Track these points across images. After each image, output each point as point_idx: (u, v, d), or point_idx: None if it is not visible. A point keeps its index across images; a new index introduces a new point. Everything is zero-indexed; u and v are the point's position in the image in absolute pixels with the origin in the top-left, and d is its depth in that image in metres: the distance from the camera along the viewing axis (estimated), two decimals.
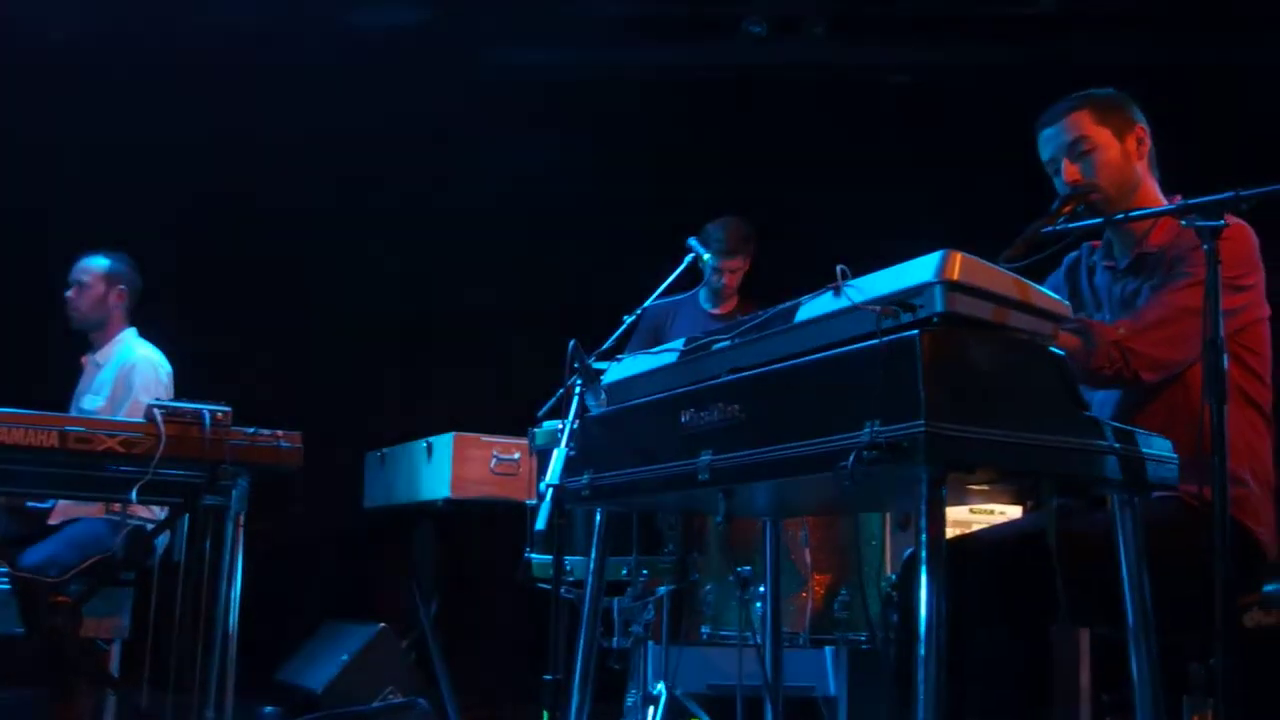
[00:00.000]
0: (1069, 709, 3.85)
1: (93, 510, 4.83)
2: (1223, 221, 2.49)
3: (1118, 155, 3.01)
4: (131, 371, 5.08)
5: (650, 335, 5.16)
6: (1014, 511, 3.79)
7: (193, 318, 6.36)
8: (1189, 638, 2.69)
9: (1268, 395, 2.95)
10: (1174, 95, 3.19)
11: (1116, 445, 2.29)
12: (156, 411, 4.07)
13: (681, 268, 4.81)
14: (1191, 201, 2.55)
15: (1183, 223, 2.56)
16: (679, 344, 2.76)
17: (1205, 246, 2.48)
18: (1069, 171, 3.02)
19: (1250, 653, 2.61)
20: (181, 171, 6.45)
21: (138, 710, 4.51)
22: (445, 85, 6.89)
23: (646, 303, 4.53)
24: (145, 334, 5.30)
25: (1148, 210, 2.92)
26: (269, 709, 5.10)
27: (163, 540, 4.70)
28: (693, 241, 4.73)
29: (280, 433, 4.25)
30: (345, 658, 5.22)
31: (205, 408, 4.12)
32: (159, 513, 4.79)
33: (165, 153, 6.34)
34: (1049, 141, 3.08)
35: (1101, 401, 2.95)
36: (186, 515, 4.36)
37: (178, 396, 4.76)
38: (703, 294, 5.51)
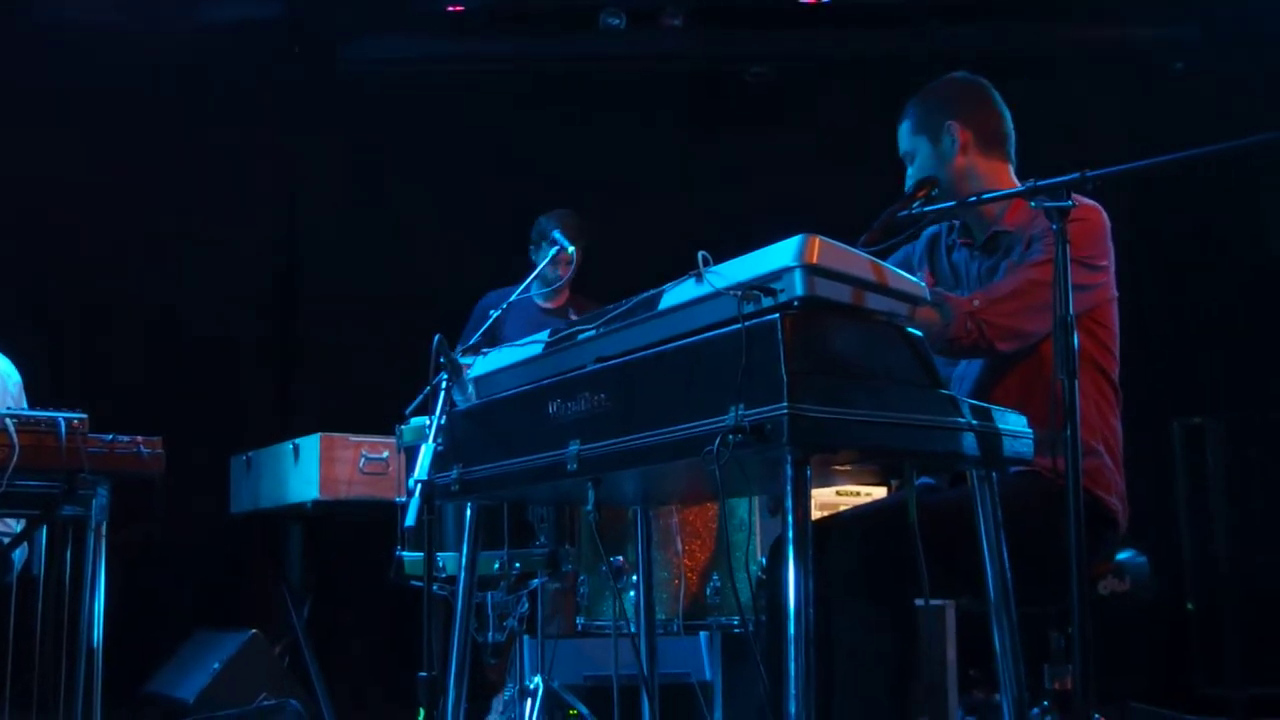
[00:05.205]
0: (936, 683, 3.94)
1: None
2: (1070, 202, 2.57)
3: (933, 158, 3.13)
4: None
5: (484, 322, 5.14)
6: (879, 493, 3.86)
7: (44, 324, 6.20)
8: (1047, 608, 2.77)
9: (1116, 367, 3.05)
10: (1033, 78, 3.29)
11: (974, 422, 2.35)
12: (8, 421, 3.94)
13: (546, 260, 4.80)
14: (1040, 183, 2.63)
15: (1032, 204, 2.64)
16: (544, 335, 2.77)
17: (1054, 227, 2.56)
18: (908, 176, 3.17)
19: (1105, 619, 2.70)
20: (25, 170, 6.29)
21: None
22: (301, 80, 6.80)
23: (512, 296, 4.51)
24: None
25: (996, 193, 2.99)
26: None
27: (20, 554, 4.57)
28: (557, 234, 4.72)
29: (140, 439, 4.15)
30: (216, 666, 5.12)
31: (60, 415, 4.01)
32: (15, 525, 4.66)
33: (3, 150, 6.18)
34: (899, 138, 3.22)
35: (960, 377, 3.03)
36: (44, 527, 4.24)
37: (31, 405, 4.63)
38: (534, 286, 5.46)
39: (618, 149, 6.92)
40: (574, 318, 5.14)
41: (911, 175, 3.15)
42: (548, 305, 5.51)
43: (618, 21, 6.55)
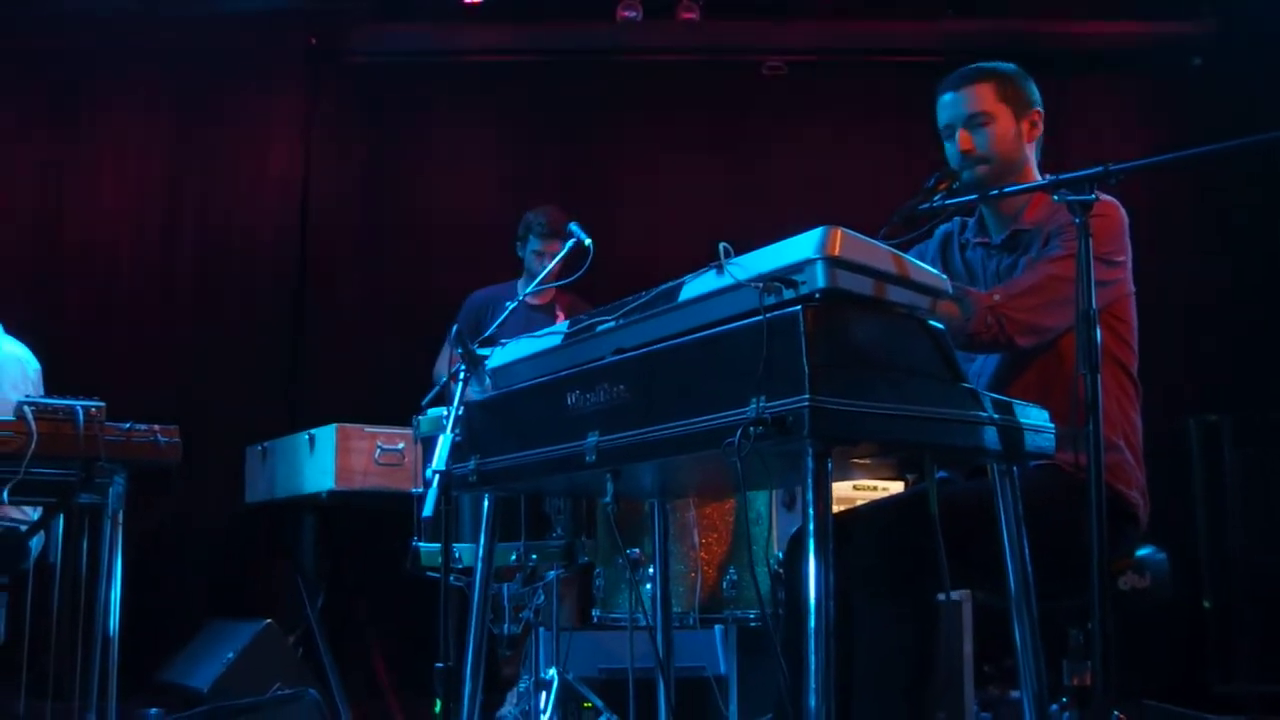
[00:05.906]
0: (953, 678, 3.93)
1: None
2: (1093, 195, 2.56)
3: (1012, 134, 3.06)
4: None
5: (473, 324, 5.12)
6: (897, 487, 3.85)
7: (62, 312, 6.22)
8: (1067, 603, 2.76)
9: (1136, 362, 3.04)
10: (1047, 74, 3.27)
11: (995, 416, 2.34)
12: (27, 409, 3.96)
13: (564, 251, 4.78)
14: (1063, 176, 2.61)
15: (1055, 197, 2.62)
16: (563, 326, 2.76)
17: (1077, 220, 2.54)
18: (963, 140, 3.05)
19: (1125, 615, 2.69)
20: (42, 158, 6.31)
21: None
22: (315, 69, 6.80)
23: (528, 289, 4.49)
24: (11, 331, 5.15)
25: (1021, 186, 2.97)
26: (152, 710, 5.00)
27: (37, 542, 4.58)
28: (573, 226, 4.70)
29: (157, 428, 4.16)
30: (231, 655, 5.13)
31: (78, 404, 4.02)
32: (32, 513, 4.67)
33: (16, 141, 6.21)
34: (948, 107, 3.10)
35: (977, 373, 3.01)
36: (61, 515, 4.25)
37: (50, 393, 4.64)
38: (521, 282, 5.44)
39: (633, 141, 6.91)
40: (559, 313, 5.14)
41: (983, 139, 3.03)
42: (534, 301, 5.49)
43: (634, 14, 6.54)
